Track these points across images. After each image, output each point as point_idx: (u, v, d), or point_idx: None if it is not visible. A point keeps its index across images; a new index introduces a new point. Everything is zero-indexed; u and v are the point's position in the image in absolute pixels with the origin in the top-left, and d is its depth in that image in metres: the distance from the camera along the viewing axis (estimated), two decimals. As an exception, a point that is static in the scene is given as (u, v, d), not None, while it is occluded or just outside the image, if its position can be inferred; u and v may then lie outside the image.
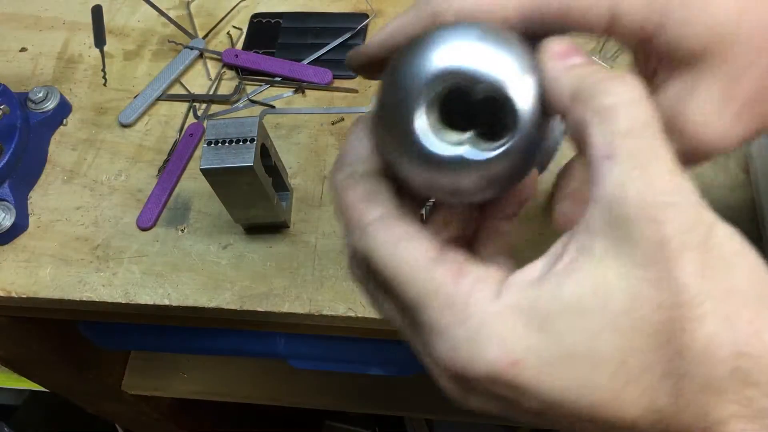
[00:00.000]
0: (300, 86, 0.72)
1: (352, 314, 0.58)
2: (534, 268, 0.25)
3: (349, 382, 0.95)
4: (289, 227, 0.63)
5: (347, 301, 0.59)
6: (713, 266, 0.24)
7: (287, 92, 0.72)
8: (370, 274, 0.29)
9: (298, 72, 0.72)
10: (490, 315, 0.24)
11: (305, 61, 0.73)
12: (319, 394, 0.96)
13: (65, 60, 0.78)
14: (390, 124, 0.29)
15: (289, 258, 0.62)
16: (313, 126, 0.69)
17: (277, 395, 0.97)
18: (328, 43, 0.74)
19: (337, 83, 0.72)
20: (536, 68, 0.28)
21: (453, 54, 0.27)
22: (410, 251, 0.26)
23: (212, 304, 0.61)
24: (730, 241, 0.26)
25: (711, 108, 0.30)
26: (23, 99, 0.71)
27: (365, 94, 0.70)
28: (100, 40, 0.79)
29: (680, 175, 0.25)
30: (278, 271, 0.61)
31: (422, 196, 0.31)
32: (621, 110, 0.24)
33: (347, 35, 0.74)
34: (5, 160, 0.66)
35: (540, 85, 0.27)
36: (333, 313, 0.59)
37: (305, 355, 0.82)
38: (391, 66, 0.29)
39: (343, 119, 0.69)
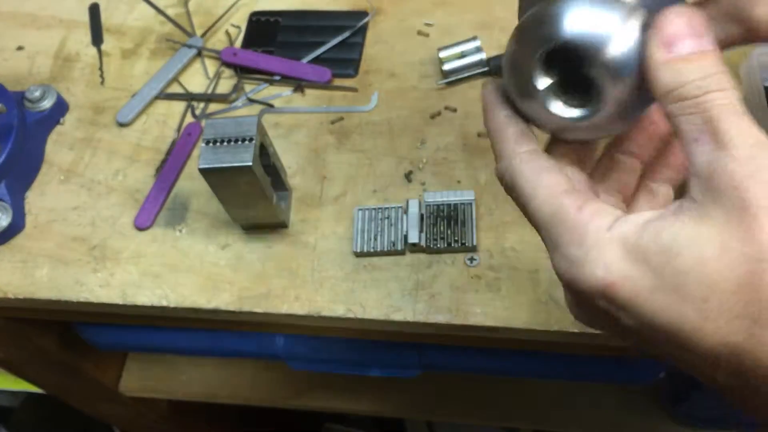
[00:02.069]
0: (299, 85, 0.71)
1: (352, 315, 0.58)
2: (646, 214, 0.30)
3: (349, 383, 0.94)
4: (288, 227, 0.63)
5: (346, 302, 0.58)
6: None
7: (286, 91, 0.72)
8: (514, 195, 0.35)
9: (297, 71, 0.72)
10: (600, 241, 0.30)
11: (304, 60, 0.72)
12: (318, 395, 0.96)
13: (62, 58, 0.78)
14: (517, 82, 0.36)
15: (288, 258, 0.61)
16: (313, 125, 0.69)
17: (276, 397, 0.97)
18: (327, 42, 0.73)
19: (337, 82, 0.71)
20: (642, 28, 0.32)
21: (564, 23, 0.33)
22: (548, 180, 0.33)
23: (211, 305, 0.60)
24: None
25: None
26: (20, 98, 0.71)
27: (365, 92, 0.70)
28: (97, 39, 0.78)
29: (759, 146, 0.28)
30: (277, 271, 0.61)
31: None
32: (706, 104, 0.29)
33: (347, 33, 0.73)
34: (1, 159, 0.66)
35: (640, 51, 0.32)
36: (332, 314, 0.58)
37: (304, 357, 0.82)
38: (518, 30, 0.36)
39: (342, 118, 0.69)
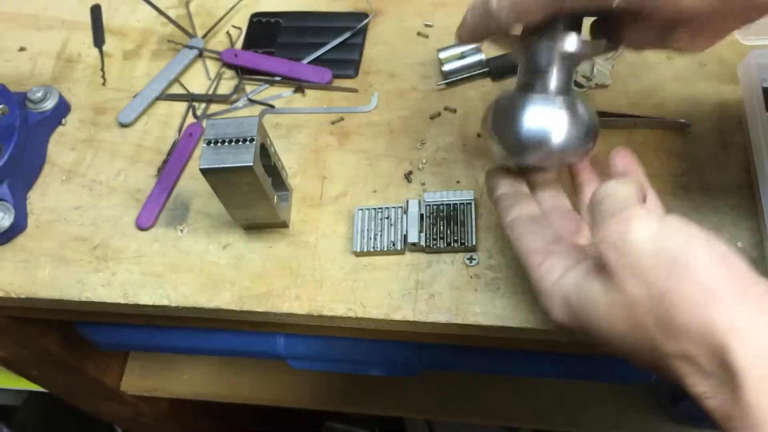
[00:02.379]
0: (299, 86, 0.72)
1: (352, 314, 0.58)
2: (574, 276, 0.42)
3: (349, 382, 0.94)
4: (288, 227, 0.63)
5: (347, 302, 0.59)
6: (647, 275, 0.36)
7: (287, 92, 0.72)
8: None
9: (298, 71, 0.72)
10: (550, 294, 0.43)
11: (305, 61, 0.73)
12: (319, 394, 0.96)
13: (64, 59, 0.78)
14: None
15: (288, 258, 0.62)
16: (313, 126, 0.69)
17: (277, 396, 0.97)
18: (327, 43, 0.74)
19: (337, 83, 0.71)
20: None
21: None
22: (523, 243, 0.46)
23: (212, 305, 0.60)
24: (654, 258, 0.36)
25: None
26: (22, 99, 0.71)
27: (365, 93, 0.70)
28: (99, 40, 0.79)
29: (626, 232, 0.38)
30: (278, 271, 0.61)
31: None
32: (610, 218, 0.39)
33: (347, 34, 0.74)
34: (4, 159, 0.66)
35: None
36: (333, 314, 0.58)
37: (305, 356, 0.82)
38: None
39: (342, 119, 0.69)
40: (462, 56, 0.68)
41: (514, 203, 0.48)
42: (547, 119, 0.47)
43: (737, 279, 0.34)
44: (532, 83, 0.48)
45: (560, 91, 0.48)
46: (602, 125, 0.50)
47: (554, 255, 0.44)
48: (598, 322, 0.39)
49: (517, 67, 0.50)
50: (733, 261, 0.35)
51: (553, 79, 0.47)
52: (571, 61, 0.47)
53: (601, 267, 0.39)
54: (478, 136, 0.66)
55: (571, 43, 0.46)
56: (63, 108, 0.73)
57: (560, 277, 0.42)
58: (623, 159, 0.49)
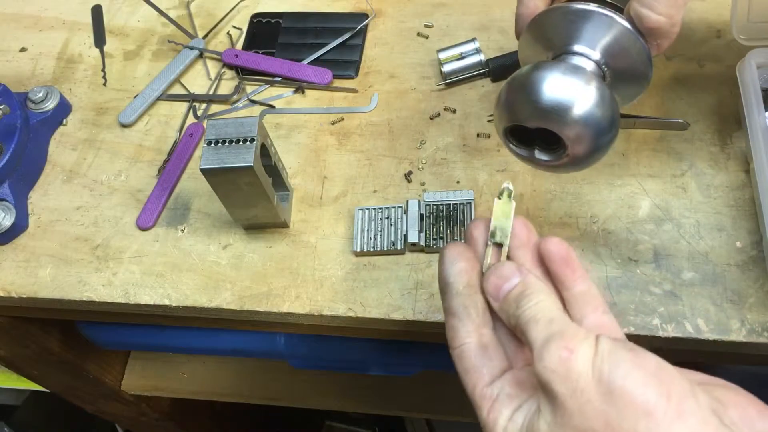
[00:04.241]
0: (300, 86, 0.72)
1: (352, 314, 0.58)
2: (519, 421, 0.39)
3: (349, 382, 0.95)
4: (289, 227, 0.63)
5: (347, 301, 0.59)
6: (592, 404, 0.35)
7: (287, 92, 0.72)
8: None
9: (298, 72, 0.72)
10: None
11: (305, 61, 0.73)
12: (319, 394, 0.96)
13: (65, 60, 0.78)
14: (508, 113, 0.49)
15: (289, 258, 0.62)
16: (313, 126, 0.69)
17: (277, 395, 0.97)
18: (328, 43, 0.74)
19: (337, 83, 0.72)
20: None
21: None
22: (470, 378, 0.42)
23: (212, 304, 0.61)
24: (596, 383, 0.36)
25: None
26: (23, 99, 0.72)
27: (365, 94, 0.70)
28: (100, 40, 0.79)
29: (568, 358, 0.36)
30: (278, 271, 0.61)
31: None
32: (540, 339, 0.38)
33: (347, 35, 0.74)
34: (5, 160, 0.66)
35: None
36: (333, 313, 0.59)
37: (305, 355, 0.82)
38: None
39: (342, 119, 0.69)
40: (461, 57, 0.69)
41: (466, 315, 0.44)
42: (580, 87, 0.46)
43: (670, 395, 0.34)
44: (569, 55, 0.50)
45: (596, 72, 0.49)
46: None
47: (501, 397, 0.41)
48: None
49: (515, 68, 0.51)
50: (664, 372, 0.35)
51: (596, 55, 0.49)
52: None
53: (545, 392, 0.37)
54: (478, 136, 0.66)
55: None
56: (64, 108, 0.73)
57: (508, 420, 0.40)
58: (559, 248, 0.44)
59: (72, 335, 0.85)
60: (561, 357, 0.36)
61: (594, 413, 0.35)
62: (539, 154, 0.49)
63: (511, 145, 0.50)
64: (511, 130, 0.49)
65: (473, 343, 0.43)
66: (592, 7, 0.48)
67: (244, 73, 0.74)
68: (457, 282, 0.45)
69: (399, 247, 0.60)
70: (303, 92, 0.72)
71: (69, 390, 0.97)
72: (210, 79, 0.74)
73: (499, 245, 0.45)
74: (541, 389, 0.37)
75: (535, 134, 0.48)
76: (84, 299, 0.63)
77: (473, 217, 0.60)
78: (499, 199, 0.46)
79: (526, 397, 0.40)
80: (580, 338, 0.37)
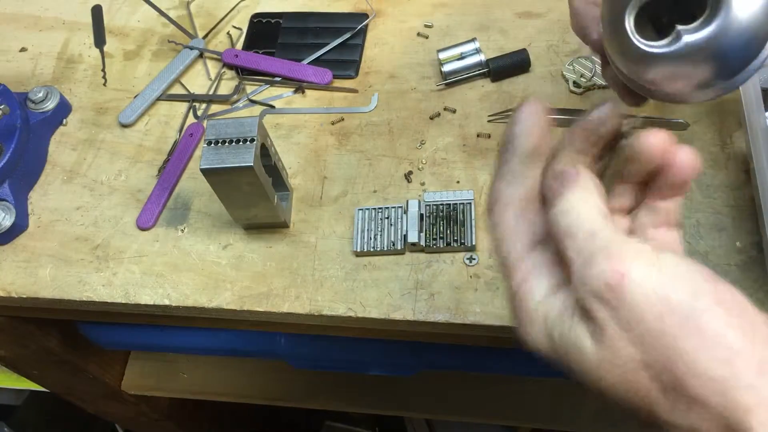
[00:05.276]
0: (300, 86, 0.72)
1: (352, 314, 0.58)
2: (558, 304, 0.34)
3: (349, 382, 0.95)
4: (289, 227, 0.63)
5: (347, 301, 0.59)
6: (650, 337, 0.30)
7: (287, 92, 0.72)
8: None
9: (298, 72, 0.72)
10: (528, 318, 0.35)
11: (305, 61, 0.73)
12: (319, 394, 0.96)
13: (65, 60, 0.78)
14: (609, 30, 0.37)
15: (289, 258, 0.62)
16: (313, 126, 0.69)
17: (277, 395, 0.97)
18: (328, 43, 0.74)
19: (337, 83, 0.72)
20: None
21: None
22: (509, 246, 0.36)
23: (212, 304, 0.61)
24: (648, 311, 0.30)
25: None
26: (23, 99, 0.71)
27: (365, 93, 0.70)
28: (100, 40, 0.79)
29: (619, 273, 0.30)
30: (278, 271, 0.61)
31: (640, 92, 0.39)
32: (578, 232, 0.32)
33: (347, 35, 0.74)
34: (5, 160, 0.66)
35: None
36: (333, 313, 0.59)
37: (305, 355, 0.82)
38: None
39: (342, 119, 0.69)
40: (461, 57, 0.69)
41: (522, 170, 0.36)
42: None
43: (753, 341, 0.29)
44: None
45: None
46: None
47: (538, 270, 0.35)
48: (584, 373, 0.32)
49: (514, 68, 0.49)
50: (746, 312, 0.30)
51: None
52: None
53: (586, 313, 0.32)
54: (478, 136, 0.66)
55: None
56: (64, 108, 0.73)
57: (543, 298, 0.34)
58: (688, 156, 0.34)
59: (72, 335, 0.85)
60: (608, 282, 0.30)
61: (654, 349, 0.30)
62: (688, 33, 0.33)
63: (641, 43, 0.35)
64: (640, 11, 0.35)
65: (515, 206, 0.36)
66: None
67: (244, 73, 0.74)
68: (522, 142, 0.36)
69: (399, 247, 0.60)
70: (303, 92, 0.72)
71: (69, 390, 0.97)
72: (210, 79, 0.74)
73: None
74: (585, 317, 0.32)
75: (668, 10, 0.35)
76: (84, 299, 0.63)
77: (473, 217, 0.60)
78: None
79: (566, 278, 0.35)
80: (632, 257, 0.30)
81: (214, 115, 0.72)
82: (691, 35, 0.33)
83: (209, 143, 0.55)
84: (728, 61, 0.33)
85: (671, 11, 0.35)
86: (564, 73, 0.67)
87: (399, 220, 0.61)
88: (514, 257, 0.35)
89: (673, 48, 0.33)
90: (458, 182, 0.63)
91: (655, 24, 0.36)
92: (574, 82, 0.66)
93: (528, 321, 0.35)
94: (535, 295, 0.34)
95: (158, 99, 0.73)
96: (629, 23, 0.35)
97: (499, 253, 0.36)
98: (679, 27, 0.34)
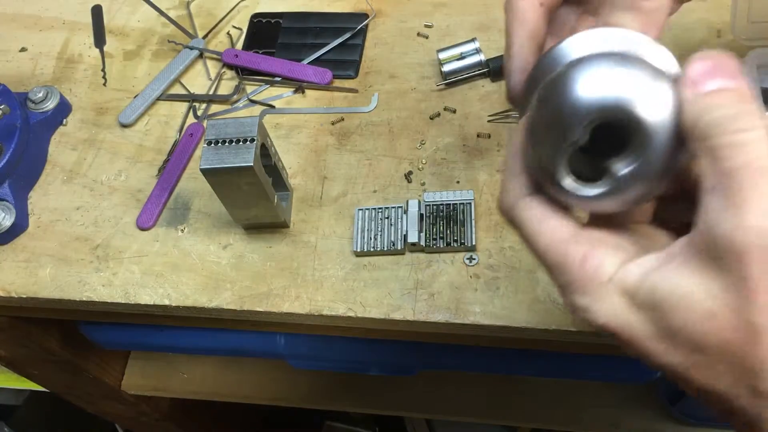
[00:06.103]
0: (300, 86, 0.72)
1: (352, 314, 0.58)
2: (646, 263, 0.31)
3: (349, 382, 0.95)
4: (289, 227, 0.63)
5: (347, 301, 0.59)
6: None
7: (287, 92, 0.72)
8: (517, 231, 0.36)
9: (298, 72, 0.72)
10: (601, 293, 0.32)
11: (305, 61, 0.73)
12: (319, 394, 0.96)
13: (65, 60, 0.78)
14: (541, 155, 0.33)
15: (289, 258, 0.62)
16: (313, 126, 0.69)
17: (277, 395, 0.97)
18: (328, 43, 0.74)
19: (337, 83, 0.72)
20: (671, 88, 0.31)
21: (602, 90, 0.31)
22: (551, 225, 0.33)
23: (212, 304, 0.61)
24: None
25: None
26: (23, 99, 0.72)
27: (365, 93, 0.70)
28: (100, 40, 0.79)
29: None
30: (278, 271, 0.61)
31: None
32: (727, 151, 0.28)
33: (347, 35, 0.74)
34: (5, 159, 0.66)
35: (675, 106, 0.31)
36: (333, 313, 0.59)
37: (305, 355, 0.82)
38: (538, 99, 0.33)
39: (342, 119, 0.69)
40: (461, 57, 0.69)
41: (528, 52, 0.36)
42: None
43: None
44: None
45: None
46: None
47: (601, 246, 0.32)
48: (678, 331, 0.29)
49: None
50: None
51: None
52: None
53: (708, 256, 0.28)
54: (478, 136, 0.66)
55: None
56: (64, 108, 0.73)
57: (617, 271, 0.31)
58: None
59: (72, 335, 0.85)
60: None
61: None
62: (619, 166, 0.32)
63: (574, 188, 0.33)
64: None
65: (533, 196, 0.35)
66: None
67: (244, 73, 0.74)
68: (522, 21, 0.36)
69: (399, 247, 0.60)
70: (303, 92, 0.72)
71: (69, 390, 0.97)
72: (210, 79, 0.74)
73: None
74: (715, 245, 0.28)
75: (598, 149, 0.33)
76: (84, 299, 0.63)
77: (473, 217, 0.60)
78: None
79: (638, 248, 0.33)
80: None
81: (214, 115, 0.72)
82: (624, 167, 0.32)
83: (209, 143, 0.55)
84: (659, 177, 0.32)
85: (595, 145, 0.33)
86: (564, 73, 0.67)
87: (399, 220, 0.61)
88: (560, 237, 0.33)
89: (609, 186, 0.32)
90: (458, 182, 0.63)
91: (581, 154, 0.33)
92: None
93: (595, 296, 0.32)
94: (604, 272, 0.32)
95: (158, 99, 0.73)
96: (563, 176, 0.33)
97: (538, 241, 0.34)
98: (610, 164, 0.32)
